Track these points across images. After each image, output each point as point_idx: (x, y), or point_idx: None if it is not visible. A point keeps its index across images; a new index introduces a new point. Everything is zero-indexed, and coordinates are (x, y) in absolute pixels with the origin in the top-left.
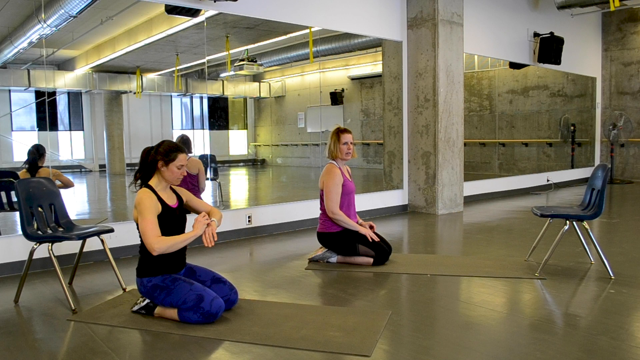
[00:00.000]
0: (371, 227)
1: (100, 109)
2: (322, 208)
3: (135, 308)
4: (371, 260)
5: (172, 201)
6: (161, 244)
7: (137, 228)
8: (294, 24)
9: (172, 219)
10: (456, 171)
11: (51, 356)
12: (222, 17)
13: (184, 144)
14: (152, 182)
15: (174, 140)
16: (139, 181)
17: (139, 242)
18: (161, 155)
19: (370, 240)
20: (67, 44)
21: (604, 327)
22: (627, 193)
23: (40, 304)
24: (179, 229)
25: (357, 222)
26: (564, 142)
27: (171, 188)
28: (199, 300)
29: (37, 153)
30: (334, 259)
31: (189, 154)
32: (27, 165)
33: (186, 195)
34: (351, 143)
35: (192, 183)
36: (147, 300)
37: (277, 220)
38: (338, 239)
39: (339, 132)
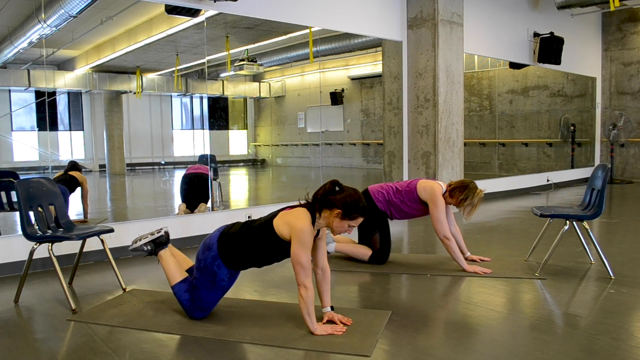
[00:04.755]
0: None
1: (100, 109)
2: (380, 193)
3: (141, 242)
4: (369, 253)
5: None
6: (309, 288)
7: (271, 231)
8: (294, 24)
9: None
10: (456, 171)
11: (51, 356)
12: (222, 17)
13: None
14: (321, 214)
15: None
16: (308, 202)
17: (252, 228)
18: (343, 207)
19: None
20: (67, 44)
21: (604, 327)
22: (627, 193)
23: (40, 304)
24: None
25: (463, 254)
26: (564, 142)
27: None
28: (203, 308)
29: (74, 166)
30: (331, 246)
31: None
32: (64, 174)
33: (320, 235)
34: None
35: None
36: (161, 232)
37: None
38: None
39: (480, 195)
